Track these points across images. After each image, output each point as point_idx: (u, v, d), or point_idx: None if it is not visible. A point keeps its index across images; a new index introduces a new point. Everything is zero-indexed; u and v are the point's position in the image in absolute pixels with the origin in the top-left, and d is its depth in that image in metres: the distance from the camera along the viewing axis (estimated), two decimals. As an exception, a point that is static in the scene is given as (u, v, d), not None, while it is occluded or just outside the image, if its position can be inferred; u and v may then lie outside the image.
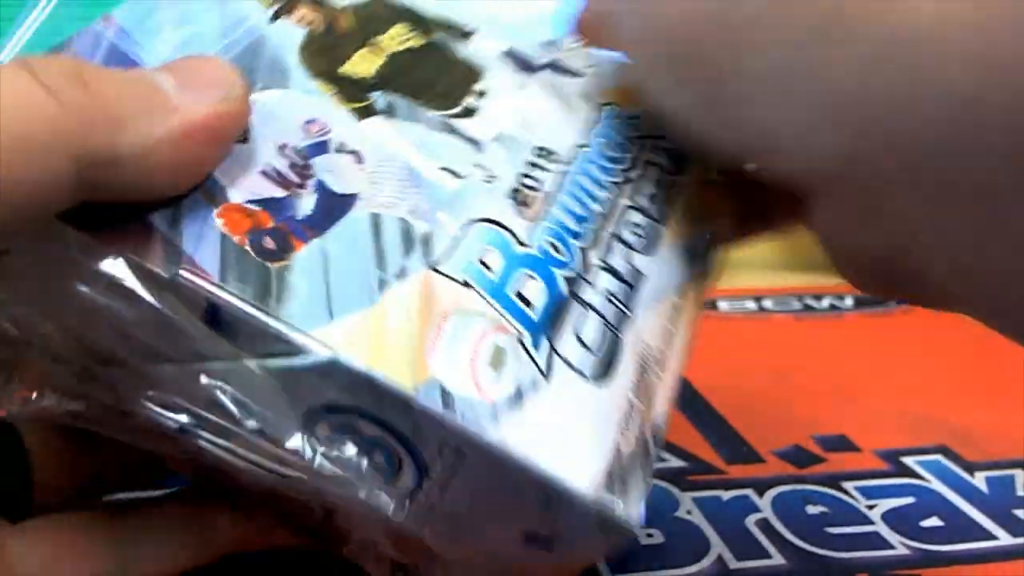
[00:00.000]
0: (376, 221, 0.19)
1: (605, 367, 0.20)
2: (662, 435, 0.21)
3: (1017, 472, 0.35)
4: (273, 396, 0.17)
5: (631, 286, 0.21)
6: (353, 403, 0.17)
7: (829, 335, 0.47)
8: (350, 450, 0.18)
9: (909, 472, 0.35)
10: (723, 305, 0.48)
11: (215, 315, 0.17)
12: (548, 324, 0.19)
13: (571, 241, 0.21)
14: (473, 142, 0.21)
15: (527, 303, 0.19)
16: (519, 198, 0.21)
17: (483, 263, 0.19)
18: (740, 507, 0.32)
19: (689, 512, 0.32)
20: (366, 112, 0.21)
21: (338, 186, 0.19)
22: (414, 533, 0.19)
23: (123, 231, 0.17)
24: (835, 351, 0.45)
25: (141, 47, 0.19)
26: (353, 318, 0.17)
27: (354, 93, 0.21)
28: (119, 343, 0.18)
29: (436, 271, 0.18)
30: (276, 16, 0.21)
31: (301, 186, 0.18)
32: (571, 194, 0.22)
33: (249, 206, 0.18)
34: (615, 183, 0.23)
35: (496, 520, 0.19)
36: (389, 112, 0.21)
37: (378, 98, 0.21)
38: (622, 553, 0.29)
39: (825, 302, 0.49)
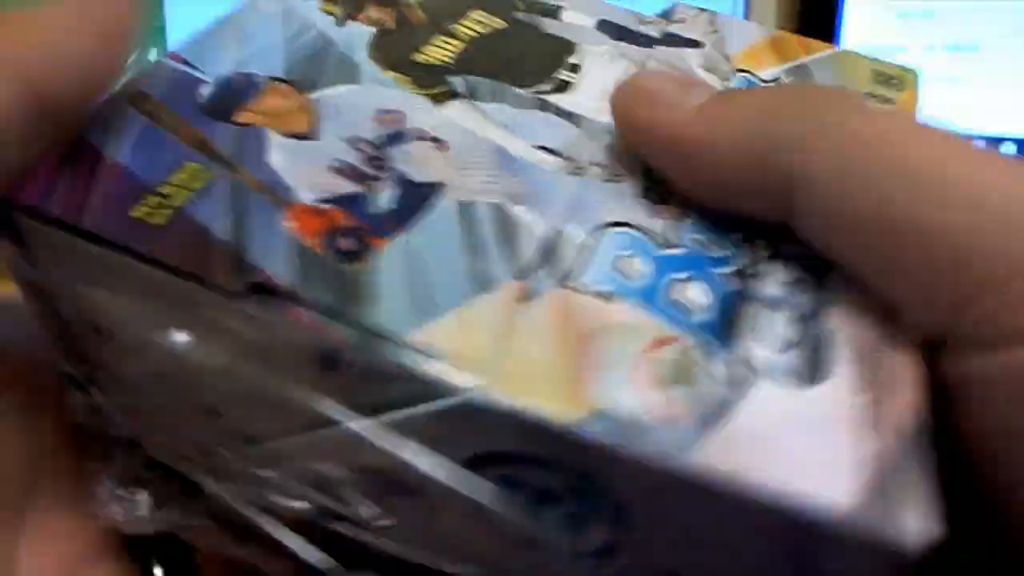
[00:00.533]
0: (468, 210, 0.16)
1: (811, 365, 0.15)
2: (923, 420, 0.15)
3: None
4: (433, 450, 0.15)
5: (817, 271, 0.17)
6: (505, 448, 0.15)
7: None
8: (525, 507, 0.15)
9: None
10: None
11: (327, 356, 0.15)
12: (724, 328, 0.16)
13: (727, 235, 0.17)
14: (570, 116, 0.19)
15: (689, 310, 0.16)
16: (653, 197, 0.17)
17: (622, 272, 0.16)
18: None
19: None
20: (445, 97, 0.19)
21: (420, 175, 0.17)
22: None
23: (173, 241, 0.15)
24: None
25: (203, 72, 0.18)
26: (447, 320, 0.15)
27: (431, 80, 0.19)
28: (225, 403, 0.16)
29: (568, 287, 0.16)
30: (343, 21, 0.20)
31: (378, 179, 0.17)
32: None
33: (321, 205, 0.16)
34: None
35: None
36: (472, 95, 0.19)
37: (458, 82, 0.19)
38: None
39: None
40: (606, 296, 0.16)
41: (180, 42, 0.19)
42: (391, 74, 0.19)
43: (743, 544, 0.14)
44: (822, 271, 0.16)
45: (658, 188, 0.17)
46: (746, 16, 0.62)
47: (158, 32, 0.58)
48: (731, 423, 0.14)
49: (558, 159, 0.18)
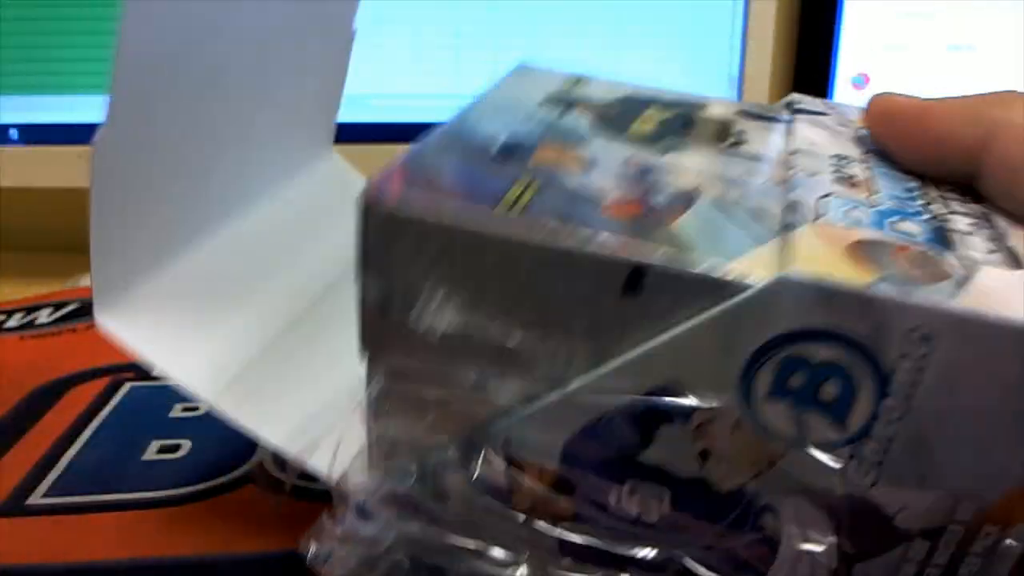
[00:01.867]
0: (721, 203, 0.22)
1: (1012, 260, 0.20)
2: None
3: None
4: (706, 364, 0.19)
5: (989, 221, 0.22)
6: (801, 326, 0.18)
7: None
8: (794, 395, 0.19)
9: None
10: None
11: (638, 280, 0.19)
12: (941, 243, 0.20)
13: (913, 200, 0.23)
14: (755, 157, 0.25)
15: (911, 234, 0.21)
16: (846, 182, 0.23)
17: (851, 218, 0.21)
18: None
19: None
20: (665, 149, 0.25)
21: (678, 187, 0.22)
22: (859, 497, 0.20)
23: (533, 223, 0.20)
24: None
25: (480, 139, 0.24)
26: (761, 251, 0.19)
27: (648, 141, 0.25)
28: None
29: (820, 224, 0.20)
30: (561, 116, 0.27)
31: (650, 190, 0.22)
32: (885, 176, 0.24)
33: (623, 204, 0.21)
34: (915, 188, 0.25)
35: (986, 432, 0.19)
36: (681, 149, 0.25)
37: (668, 140, 0.25)
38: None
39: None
40: (848, 227, 0.20)
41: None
42: (618, 141, 0.25)
43: (994, 387, 0.18)
44: (992, 222, 0.22)
45: (847, 176, 0.23)
46: (746, 15, 0.62)
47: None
48: (975, 286, 0.19)
49: (762, 177, 0.24)
